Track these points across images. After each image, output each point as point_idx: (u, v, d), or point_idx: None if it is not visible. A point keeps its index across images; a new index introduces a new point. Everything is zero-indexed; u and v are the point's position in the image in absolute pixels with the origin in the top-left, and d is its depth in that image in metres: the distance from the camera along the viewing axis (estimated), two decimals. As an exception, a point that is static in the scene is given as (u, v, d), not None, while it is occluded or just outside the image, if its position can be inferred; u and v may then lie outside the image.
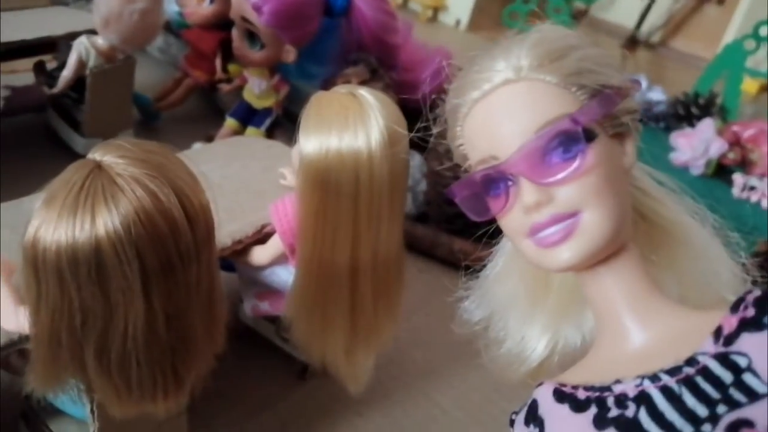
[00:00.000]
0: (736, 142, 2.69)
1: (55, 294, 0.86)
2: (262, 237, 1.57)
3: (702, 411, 0.56)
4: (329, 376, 1.50)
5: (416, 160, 2.38)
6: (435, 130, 0.74)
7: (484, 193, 0.67)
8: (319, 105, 1.23)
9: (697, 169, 2.62)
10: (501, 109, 0.64)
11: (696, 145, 2.64)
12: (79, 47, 2.21)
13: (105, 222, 0.82)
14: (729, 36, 4.04)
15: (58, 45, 2.49)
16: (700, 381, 0.57)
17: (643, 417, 0.58)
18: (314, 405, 1.81)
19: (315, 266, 1.33)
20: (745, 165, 2.64)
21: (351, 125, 1.18)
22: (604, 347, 0.67)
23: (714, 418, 0.55)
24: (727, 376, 0.56)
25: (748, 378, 0.55)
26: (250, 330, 1.85)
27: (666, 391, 0.58)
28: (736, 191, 2.56)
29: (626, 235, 0.65)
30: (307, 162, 1.21)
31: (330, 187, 1.21)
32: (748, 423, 0.54)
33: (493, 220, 0.70)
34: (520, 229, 0.65)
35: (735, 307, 0.60)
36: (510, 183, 0.64)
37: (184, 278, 0.90)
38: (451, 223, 2.30)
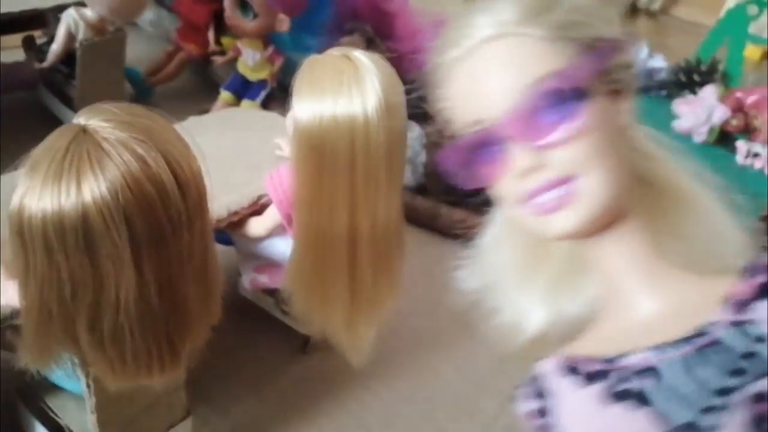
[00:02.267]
0: (739, 109, 2.65)
1: (42, 264, 0.84)
2: (258, 209, 1.55)
3: (715, 383, 0.53)
4: (331, 348, 1.49)
5: (415, 131, 2.34)
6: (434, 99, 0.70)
7: (473, 160, 0.62)
8: (313, 69, 1.19)
9: (700, 136, 2.59)
10: (485, 68, 0.60)
11: (699, 112, 2.60)
12: (68, 19, 2.17)
13: (91, 188, 0.79)
14: (731, 2, 3.97)
15: (47, 19, 2.44)
16: (712, 352, 0.54)
17: (653, 390, 0.55)
18: (316, 378, 1.80)
19: (312, 236, 1.30)
20: (748, 131, 2.60)
21: (346, 89, 1.14)
22: (610, 318, 0.65)
23: (728, 391, 0.52)
24: (740, 346, 0.53)
25: (762, 348, 0.52)
26: (250, 304, 1.83)
27: (676, 362, 0.55)
28: (739, 158, 2.53)
29: (628, 199, 0.62)
30: (301, 128, 1.18)
31: (325, 154, 1.18)
32: (763, 397, 0.51)
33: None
34: (513, 196, 0.61)
35: (745, 274, 0.57)
36: (500, 147, 0.60)
37: (175, 246, 0.87)
38: (451, 195, 2.28)
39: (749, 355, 0.52)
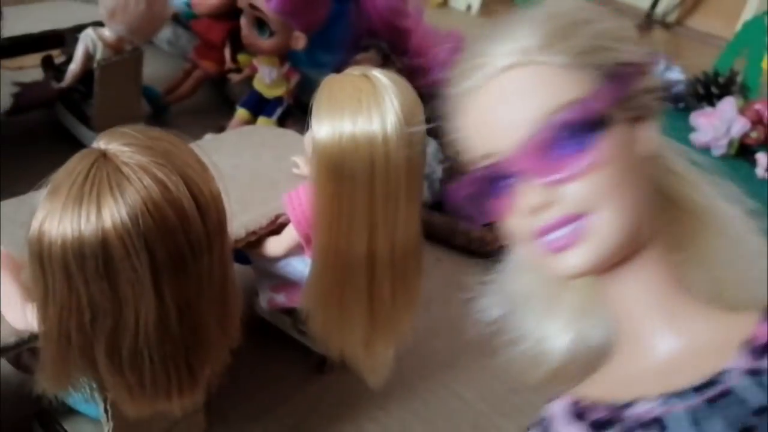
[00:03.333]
0: (758, 121, 2.62)
1: (62, 290, 0.83)
2: (276, 228, 1.54)
3: None
4: (348, 368, 1.47)
5: (432, 147, 2.33)
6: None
7: (484, 194, 0.60)
8: (332, 88, 1.18)
9: (719, 149, 2.56)
10: (503, 97, 0.57)
11: (717, 124, 2.58)
12: (86, 39, 2.18)
13: (111, 213, 0.78)
14: (748, 13, 3.94)
15: (65, 38, 2.46)
16: (723, 405, 0.50)
17: None
18: (333, 398, 1.78)
19: (331, 256, 1.29)
20: (768, 144, 2.57)
21: (365, 108, 1.14)
22: (625, 357, 0.61)
23: None
24: (753, 399, 0.50)
25: None
26: (267, 323, 1.82)
27: (683, 416, 0.51)
28: (759, 171, 2.50)
29: (647, 232, 0.58)
30: (320, 148, 1.17)
31: (344, 174, 1.17)
32: None
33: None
34: (525, 232, 0.58)
35: (766, 314, 0.53)
36: (511, 182, 0.57)
37: (195, 270, 0.86)
38: (468, 211, 2.26)
39: (762, 411, 0.49)
